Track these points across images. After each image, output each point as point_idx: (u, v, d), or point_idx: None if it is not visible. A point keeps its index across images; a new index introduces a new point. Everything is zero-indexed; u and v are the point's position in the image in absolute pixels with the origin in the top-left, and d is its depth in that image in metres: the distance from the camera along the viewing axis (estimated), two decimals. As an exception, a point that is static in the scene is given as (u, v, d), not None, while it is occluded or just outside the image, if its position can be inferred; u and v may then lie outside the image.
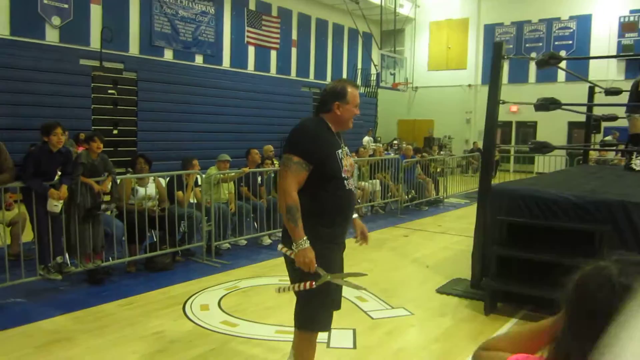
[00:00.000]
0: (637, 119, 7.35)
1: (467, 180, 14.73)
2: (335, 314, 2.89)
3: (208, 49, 16.45)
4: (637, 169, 7.61)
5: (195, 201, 6.76)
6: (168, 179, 6.45)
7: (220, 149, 8.71)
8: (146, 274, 5.71)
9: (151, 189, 6.14)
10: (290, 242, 2.65)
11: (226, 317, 4.49)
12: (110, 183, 5.63)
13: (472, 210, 10.41)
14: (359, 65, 22.13)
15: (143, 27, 14.54)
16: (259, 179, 7.50)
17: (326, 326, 2.88)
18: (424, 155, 11.72)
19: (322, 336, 4.10)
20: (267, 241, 7.28)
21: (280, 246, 2.66)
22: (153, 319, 4.37)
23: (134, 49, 14.41)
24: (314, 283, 2.63)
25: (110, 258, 5.57)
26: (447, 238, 8.00)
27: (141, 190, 6.01)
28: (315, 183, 2.69)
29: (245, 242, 7.18)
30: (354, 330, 4.13)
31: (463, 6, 22.23)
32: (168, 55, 15.32)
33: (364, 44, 21.39)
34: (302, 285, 2.64)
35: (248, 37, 17.81)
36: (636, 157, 7.93)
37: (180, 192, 6.30)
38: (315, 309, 2.76)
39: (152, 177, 6.23)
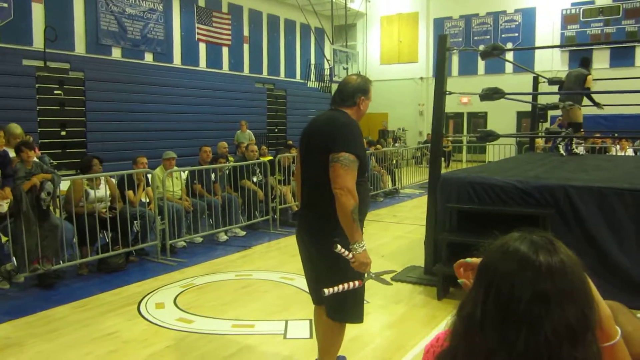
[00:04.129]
0: (577, 108, 7.70)
1: (421, 171, 14.98)
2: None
3: (158, 46, 16.15)
4: (581, 153, 7.99)
5: (148, 200, 6.67)
6: (118, 178, 6.33)
7: (173, 147, 8.59)
8: (99, 276, 5.60)
9: (103, 191, 6.00)
10: (345, 241, 2.64)
11: (182, 314, 4.46)
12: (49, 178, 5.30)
13: (426, 200, 10.66)
14: (312, 61, 22.16)
15: (88, 25, 14.15)
16: (213, 175, 7.45)
17: (362, 317, 2.98)
18: (378, 147, 11.87)
19: (278, 327, 4.16)
20: (223, 237, 7.24)
21: (339, 247, 2.60)
22: (107, 320, 4.31)
23: (79, 48, 14.00)
24: (362, 282, 2.73)
25: (60, 261, 5.43)
26: (402, 227, 8.14)
27: (92, 193, 5.86)
28: (357, 179, 2.72)
29: (201, 239, 7.12)
30: (311, 321, 4.17)
31: (412, 0, 22.56)
32: (116, 53, 14.97)
33: (316, 39, 21.44)
34: (352, 284, 2.67)
35: (199, 34, 17.59)
36: (576, 143, 8.33)
37: (130, 192, 6.19)
38: (353, 303, 2.88)
39: (104, 178, 6.09)
